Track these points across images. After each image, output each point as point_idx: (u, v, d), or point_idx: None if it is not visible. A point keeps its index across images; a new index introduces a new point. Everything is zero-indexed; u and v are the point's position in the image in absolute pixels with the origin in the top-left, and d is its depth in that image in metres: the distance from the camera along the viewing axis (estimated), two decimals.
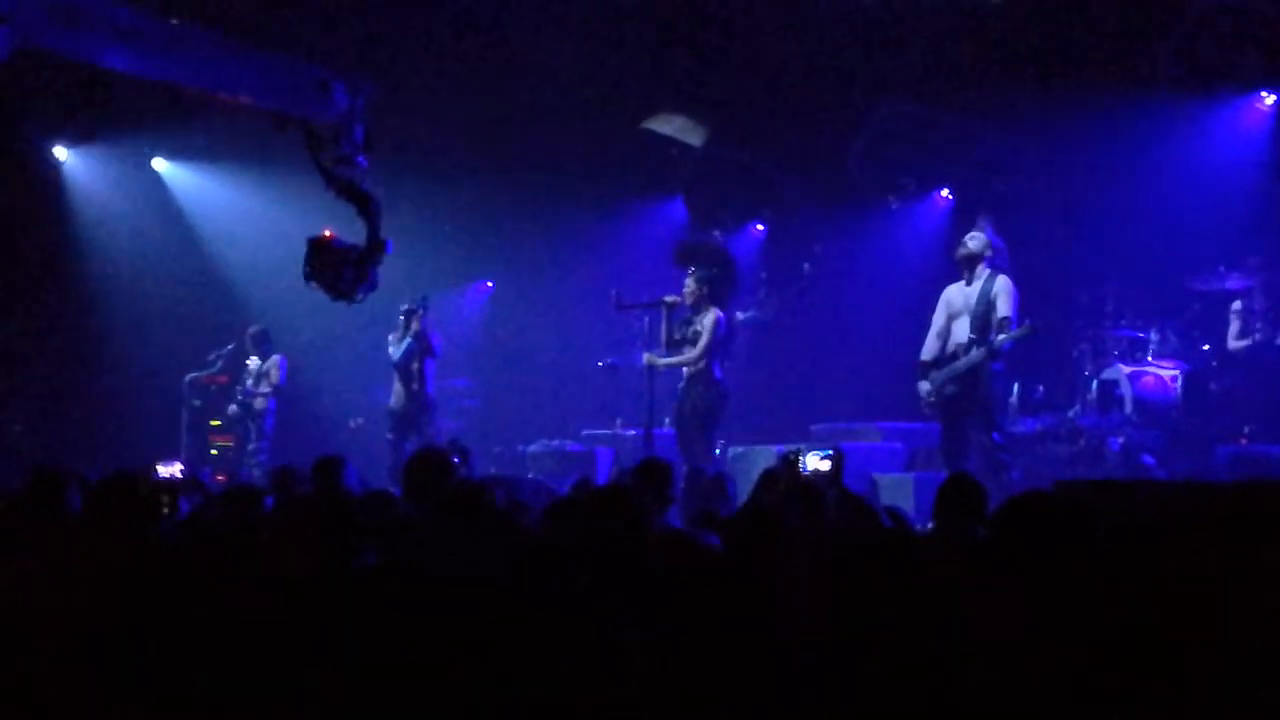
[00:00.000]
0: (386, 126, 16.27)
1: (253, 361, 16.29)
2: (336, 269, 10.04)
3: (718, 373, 12.41)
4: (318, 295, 16.65)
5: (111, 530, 5.06)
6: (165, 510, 5.98)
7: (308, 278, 10.11)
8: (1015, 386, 13.09)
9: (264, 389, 16.12)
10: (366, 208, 10.24)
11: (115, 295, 17.27)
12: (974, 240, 11.60)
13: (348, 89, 10.22)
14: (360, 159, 10.26)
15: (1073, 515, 2.89)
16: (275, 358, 16.23)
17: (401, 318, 14.64)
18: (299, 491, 7.44)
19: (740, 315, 14.74)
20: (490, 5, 15.21)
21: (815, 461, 7.27)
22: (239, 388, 16.30)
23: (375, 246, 10.18)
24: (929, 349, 11.78)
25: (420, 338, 14.51)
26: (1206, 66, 13.32)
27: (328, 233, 10.20)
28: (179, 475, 10.07)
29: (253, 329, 16.33)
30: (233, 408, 16.29)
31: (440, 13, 15.23)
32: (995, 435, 11.40)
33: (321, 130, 10.19)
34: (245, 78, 9.94)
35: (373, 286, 10.26)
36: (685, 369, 12.50)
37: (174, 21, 9.53)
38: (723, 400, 12.49)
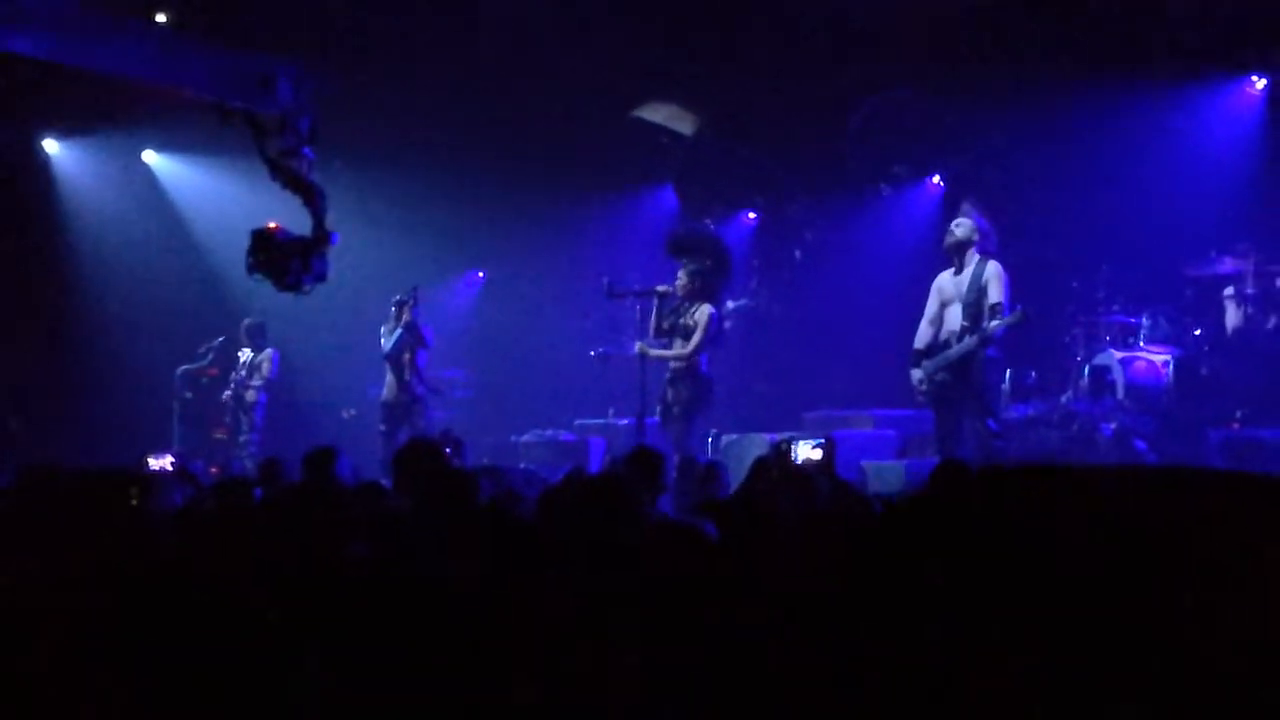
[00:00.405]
0: (377, 119, 16.40)
1: (244, 353, 16.29)
2: (282, 261, 10.07)
3: (704, 367, 12.40)
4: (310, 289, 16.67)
5: (81, 525, 5.05)
6: (134, 503, 5.95)
7: (251, 269, 10.16)
8: (1008, 373, 13.09)
9: (255, 381, 16.13)
10: (312, 199, 10.30)
11: (106, 288, 17.25)
12: (960, 227, 11.58)
13: (292, 81, 10.24)
14: (306, 150, 10.29)
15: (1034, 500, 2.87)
16: (268, 351, 16.23)
17: (392, 309, 14.66)
18: (286, 483, 7.43)
19: (731, 304, 14.73)
20: None
21: (807, 450, 7.27)
22: (231, 379, 16.30)
23: (320, 238, 10.23)
24: (922, 336, 11.76)
25: (411, 329, 14.52)
26: (1197, 51, 13.32)
27: (272, 224, 10.23)
28: (170, 468, 10.07)
29: (248, 321, 16.32)
30: (226, 394, 16.29)
31: (428, 2, 15.21)
32: (990, 422, 11.38)
33: (266, 121, 10.23)
34: (185, 69, 9.99)
35: (320, 278, 10.30)
36: (672, 361, 12.49)
37: (106, 12, 9.57)
38: (708, 391, 12.48)
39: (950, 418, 11.53)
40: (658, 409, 12.87)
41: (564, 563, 3.68)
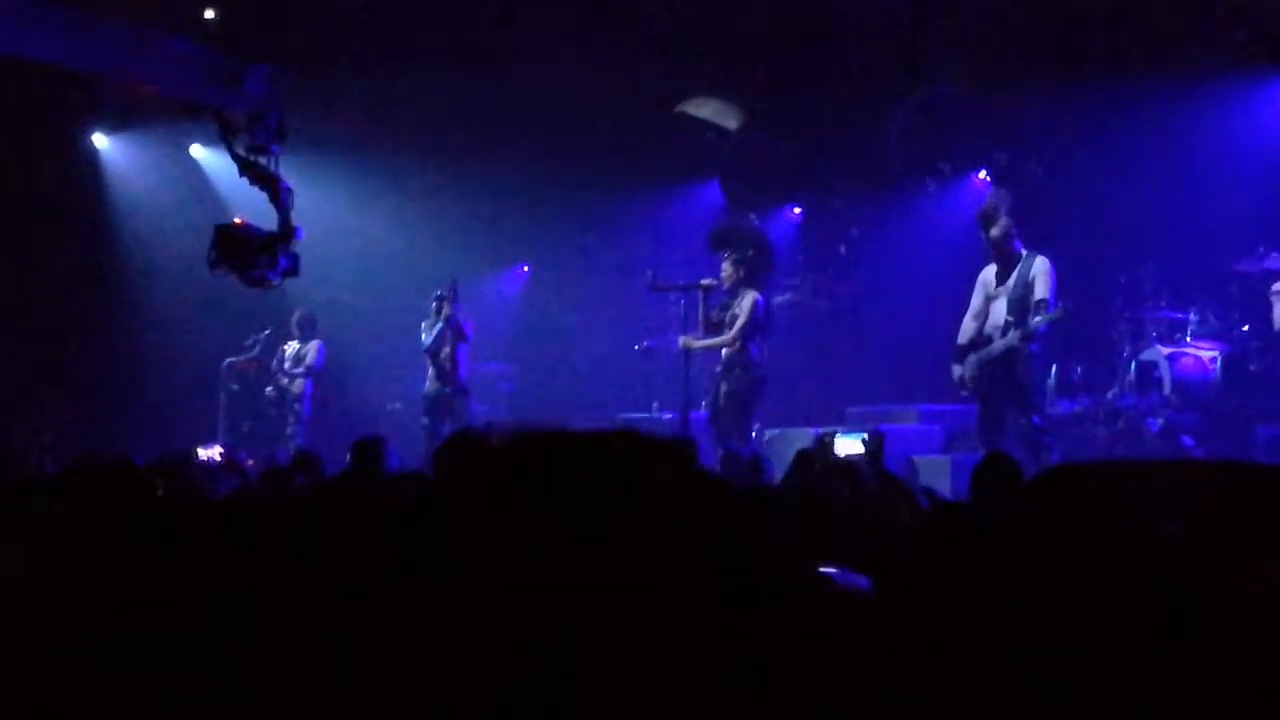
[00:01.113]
0: (423, 112, 16.46)
1: (290, 345, 16.36)
2: (248, 255, 10.18)
3: (755, 355, 12.42)
4: (356, 280, 16.79)
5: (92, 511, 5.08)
6: (160, 492, 5.99)
7: (213, 265, 10.27)
8: (1053, 368, 13.02)
9: (299, 371, 16.19)
10: (278, 195, 10.38)
11: (154, 281, 17.37)
12: (996, 231, 11.48)
13: (261, 78, 10.35)
14: (274, 146, 10.41)
15: (1112, 492, 2.87)
16: (314, 341, 16.29)
17: (433, 304, 14.72)
18: (321, 474, 7.48)
19: (777, 298, 14.71)
20: None
21: (848, 445, 7.26)
22: (274, 369, 16.37)
23: (285, 233, 10.31)
24: (965, 331, 11.72)
25: (452, 323, 14.58)
26: (1247, 46, 13.22)
27: (238, 220, 10.37)
28: (217, 459, 10.15)
29: (299, 313, 16.39)
30: (270, 390, 16.37)
31: None
32: (1035, 418, 11.34)
33: (234, 117, 10.34)
34: (156, 66, 10.08)
35: (289, 272, 10.42)
36: (722, 351, 12.50)
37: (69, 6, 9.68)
38: (760, 383, 12.51)
39: (994, 413, 11.49)
40: (704, 403, 12.87)
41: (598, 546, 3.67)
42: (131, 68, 10.20)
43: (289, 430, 16.04)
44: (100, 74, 10.35)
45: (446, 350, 14.67)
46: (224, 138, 10.47)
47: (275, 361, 16.40)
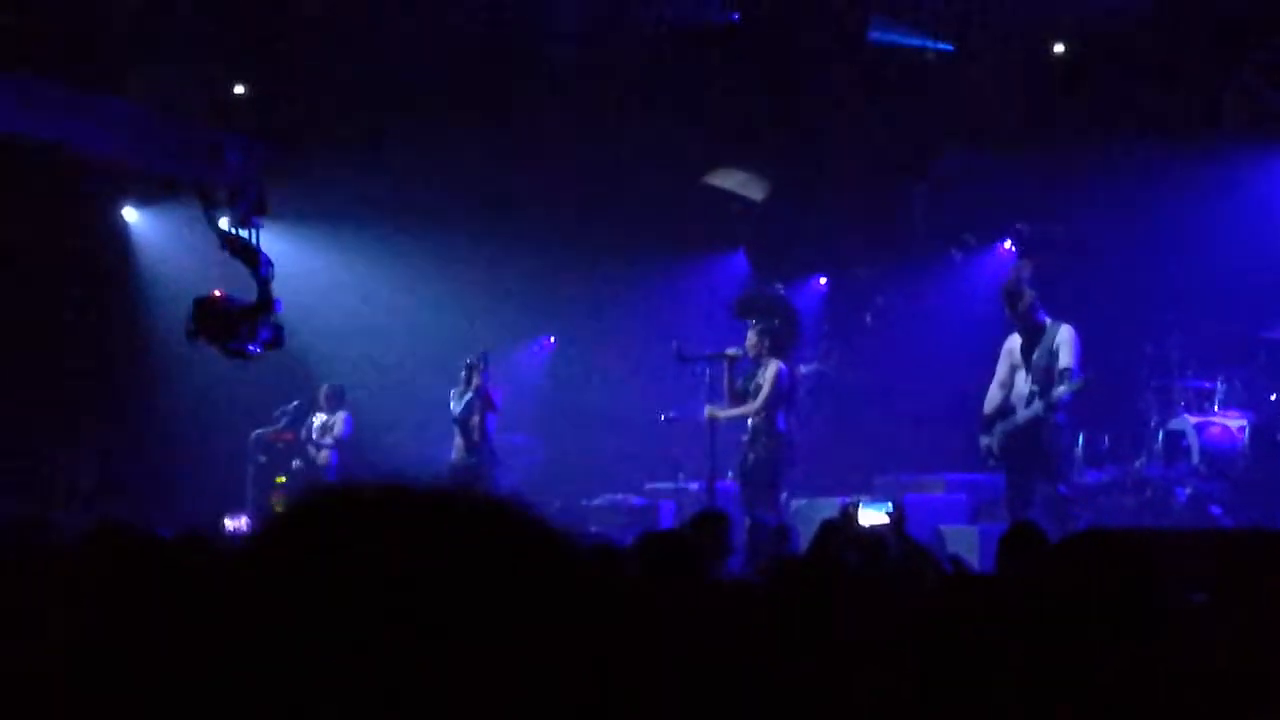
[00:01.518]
0: (449, 182, 16.56)
1: (318, 417, 16.40)
2: (228, 327, 10.23)
3: (782, 424, 12.39)
4: (381, 353, 16.84)
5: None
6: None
7: (191, 335, 10.32)
8: (1080, 438, 12.98)
9: (327, 441, 16.22)
10: (257, 268, 10.44)
11: (183, 352, 17.42)
12: (1020, 302, 11.45)
13: (240, 150, 10.41)
14: (255, 219, 10.48)
15: (1135, 558, 2.87)
16: (341, 413, 16.32)
17: (463, 373, 14.75)
18: None
19: (803, 368, 14.69)
20: (549, 62, 15.36)
21: (871, 515, 7.22)
22: (305, 441, 16.40)
23: (265, 304, 10.37)
24: (991, 400, 11.70)
25: (480, 392, 14.60)
26: (1269, 112, 13.24)
27: (217, 292, 10.43)
28: (244, 528, 10.18)
29: (327, 386, 16.45)
30: (296, 462, 16.39)
31: (499, 66, 15.38)
32: (1061, 488, 11.31)
33: (215, 191, 10.40)
34: (137, 143, 10.14)
35: (271, 343, 10.47)
36: (749, 421, 12.48)
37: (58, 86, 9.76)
38: (788, 451, 12.48)
39: (1021, 482, 11.45)
40: (730, 473, 12.84)
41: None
42: (117, 146, 10.26)
43: None
44: (82, 151, 10.40)
45: (475, 420, 14.69)
46: (205, 211, 10.53)
47: (304, 433, 16.44)
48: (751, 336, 12.63)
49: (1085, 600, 2.68)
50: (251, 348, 10.28)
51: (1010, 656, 2.67)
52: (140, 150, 10.39)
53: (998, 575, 5.38)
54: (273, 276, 10.44)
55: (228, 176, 10.42)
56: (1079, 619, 2.63)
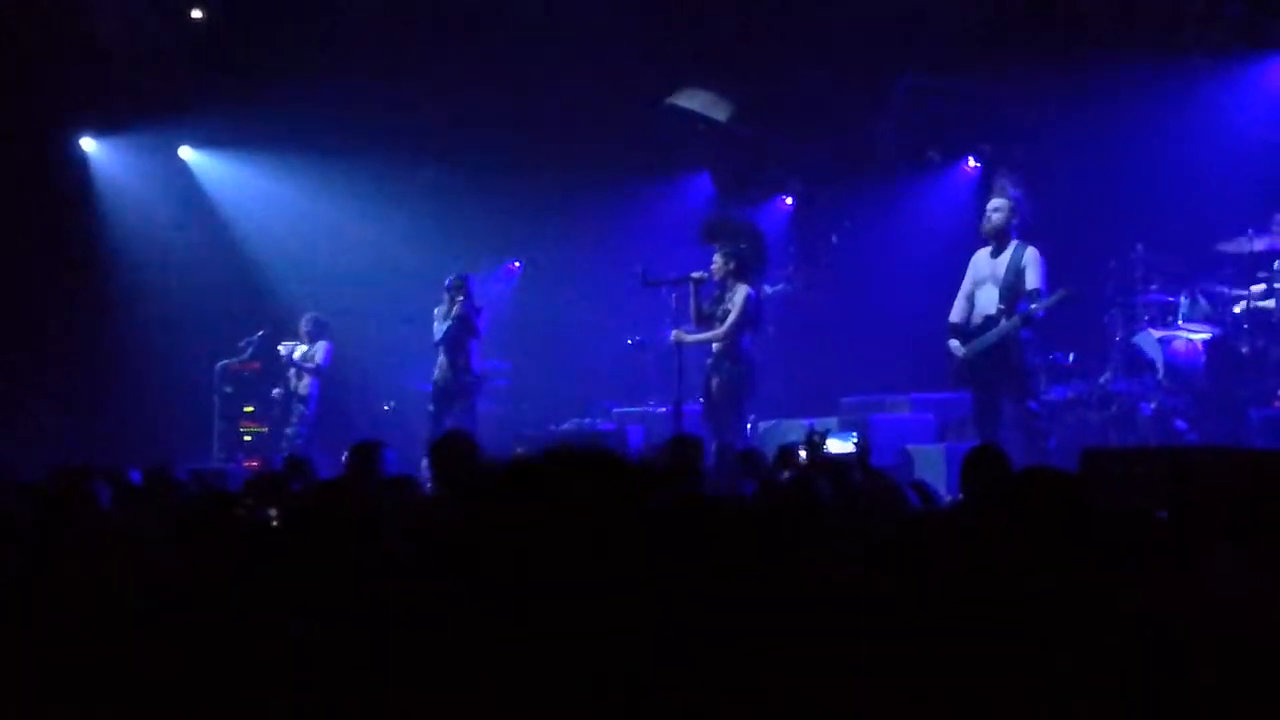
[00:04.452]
0: (413, 111, 16.46)
1: (300, 347, 16.25)
2: None
3: (745, 346, 12.38)
4: (348, 280, 16.77)
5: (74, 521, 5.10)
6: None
7: None
8: (1047, 355, 13.01)
9: (309, 367, 16.11)
10: None
11: (143, 284, 17.35)
12: (997, 213, 11.53)
13: None
14: None
15: (1077, 494, 2.87)
16: (322, 342, 16.22)
17: (445, 294, 14.65)
18: (314, 477, 7.48)
19: (769, 289, 14.67)
20: None
21: (838, 445, 7.27)
22: (287, 368, 16.27)
23: None
24: (958, 310, 11.73)
25: (461, 316, 14.51)
26: (1231, 26, 13.21)
27: None
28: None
29: (308, 316, 16.33)
30: (276, 390, 16.32)
31: None
32: (1031, 404, 11.35)
33: None
34: None
35: None
36: (713, 345, 12.47)
37: None
38: (751, 374, 12.46)
39: (989, 400, 11.50)
40: (701, 397, 12.84)
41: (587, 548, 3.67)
42: None
43: (290, 430, 15.98)
44: None
45: (459, 346, 14.62)
46: None
47: (285, 358, 16.29)
48: (718, 260, 12.59)
49: (1030, 537, 2.68)
50: None
51: (969, 597, 2.68)
52: None
53: (958, 507, 5.41)
54: None
55: None
56: (1028, 556, 2.64)
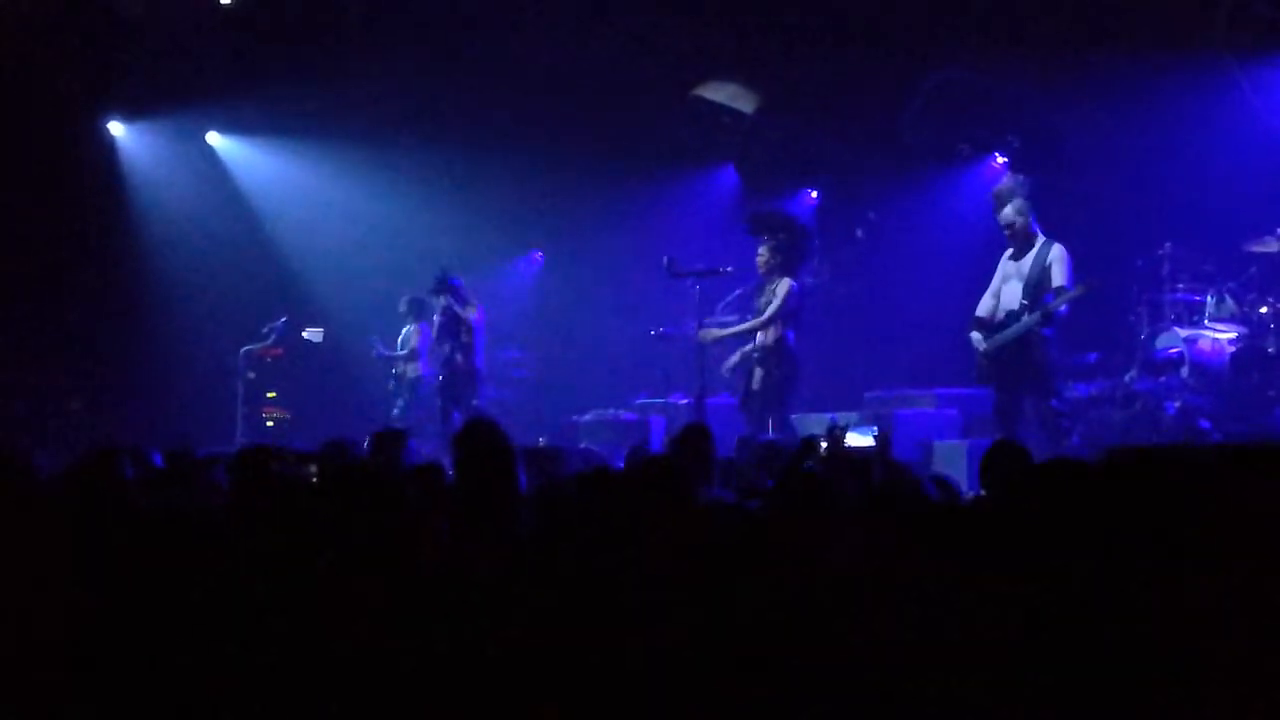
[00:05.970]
0: (437, 99, 16.46)
1: (414, 332, 16.42)
2: None
3: (792, 342, 12.35)
4: (371, 268, 16.83)
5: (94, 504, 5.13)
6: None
7: None
8: (1070, 352, 12.96)
9: (412, 357, 16.38)
10: None
11: (170, 269, 17.39)
12: (1020, 217, 11.43)
13: None
14: None
15: (1106, 486, 2.85)
16: (412, 326, 16.44)
17: (433, 298, 14.92)
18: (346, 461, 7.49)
19: (810, 281, 14.62)
20: None
21: (857, 440, 7.25)
22: (395, 358, 16.50)
23: None
24: (984, 305, 11.68)
25: (449, 313, 14.60)
26: (1262, 26, 13.15)
27: None
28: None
29: (408, 296, 16.47)
30: (391, 384, 16.51)
31: None
32: (1054, 401, 11.30)
33: None
34: None
35: None
36: (759, 337, 12.42)
37: None
38: (796, 372, 12.44)
39: (1011, 397, 11.44)
40: (739, 389, 12.77)
41: (610, 545, 3.69)
42: None
43: (396, 412, 16.13)
44: None
45: (459, 337, 14.68)
46: None
47: (399, 346, 16.61)
48: (763, 253, 12.55)
49: (1064, 529, 2.67)
50: None
51: (985, 591, 2.67)
52: None
53: (977, 503, 5.40)
54: None
55: None
56: (1050, 551, 2.63)
